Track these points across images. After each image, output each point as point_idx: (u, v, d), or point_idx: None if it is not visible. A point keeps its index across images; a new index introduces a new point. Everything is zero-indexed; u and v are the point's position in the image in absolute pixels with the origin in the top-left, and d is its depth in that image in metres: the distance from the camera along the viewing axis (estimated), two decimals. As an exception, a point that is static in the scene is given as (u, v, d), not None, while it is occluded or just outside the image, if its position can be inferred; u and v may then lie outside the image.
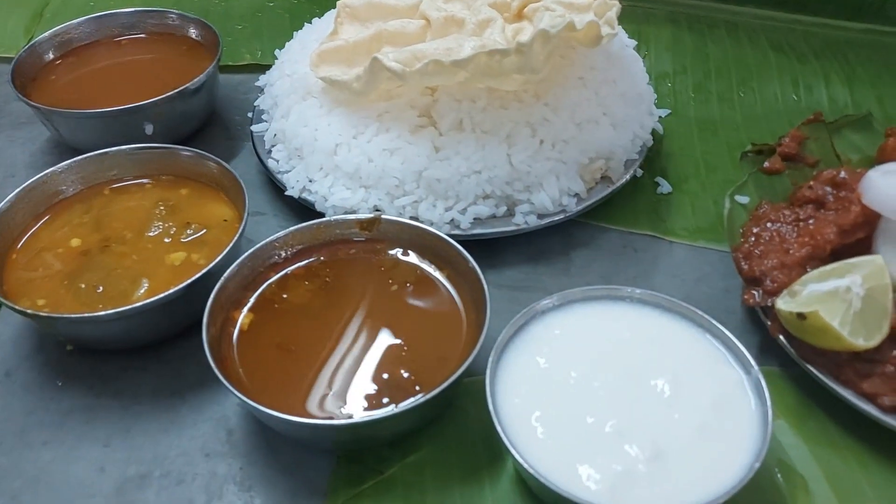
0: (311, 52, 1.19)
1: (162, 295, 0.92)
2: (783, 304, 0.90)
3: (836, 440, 0.90)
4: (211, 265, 0.95)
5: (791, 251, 0.96)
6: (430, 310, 0.96)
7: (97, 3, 1.63)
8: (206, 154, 1.10)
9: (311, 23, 1.38)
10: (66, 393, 0.98)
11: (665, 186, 1.22)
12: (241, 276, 0.96)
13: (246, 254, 0.97)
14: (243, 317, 0.94)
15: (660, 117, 1.30)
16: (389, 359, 0.90)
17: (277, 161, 1.20)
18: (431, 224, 1.07)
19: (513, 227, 1.10)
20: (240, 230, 1.00)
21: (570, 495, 0.73)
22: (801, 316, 0.87)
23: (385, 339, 0.92)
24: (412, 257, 1.01)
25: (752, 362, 0.83)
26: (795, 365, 0.92)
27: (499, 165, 1.09)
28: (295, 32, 1.37)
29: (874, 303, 0.88)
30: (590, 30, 1.07)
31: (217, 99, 1.38)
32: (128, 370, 0.99)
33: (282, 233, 1.00)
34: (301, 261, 1.01)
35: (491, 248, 1.11)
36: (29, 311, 0.93)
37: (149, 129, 1.22)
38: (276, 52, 1.37)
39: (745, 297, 0.96)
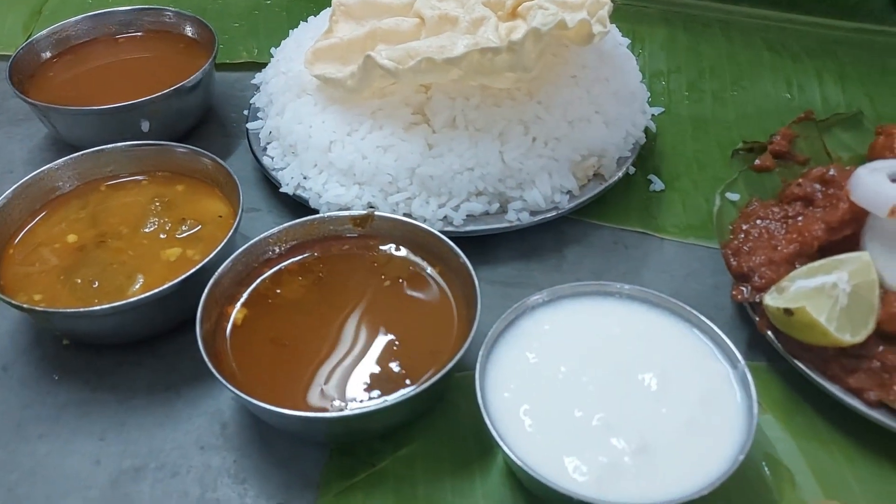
0: (306, 49, 1.19)
1: (156, 290, 0.93)
2: (771, 300, 0.91)
3: (823, 434, 0.91)
4: (205, 261, 0.96)
5: (779, 248, 0.97)
6: (422, 305, 0.97)
7: (94, 1, 1.63)
8: (201, 151, 1.11)
9: (307, 21, 1.39)
10: (63, 387, 0.99)
11: (657, 184, 1.23)
12: (235, 271, 0.97)
13: (240, 249, 0.98)
14: (237, 312, 0.95)
15: (653, 115, 1.31)
16: (381, 353, 0.91)
17: (272, 158, 1.21)
18: (425, 221, 1.08)
19: (505, 224, 1.11)
20: (234, 226, 1.01)
21: (558, 487, 0.74)
22: (788, 312, 0.88)
23: (377, 333, 0.93)
24: (405, 253, 1.02)
25: (739, 357, 0.84)
26: (783, 360, 0.93)
27: (491, 163, 1.10)
28: (291, 30, 1.38)
29: (860, 299, 0.89)
30: (581, 28, 1.08)
31: (214, 96, 1.40)
32: (123, 365, 1.01)
33: (276, 229, 1.01)
34: (295, 257, 1.02)
35: (484, 245, 1.12)
36: (25, 305, 0.94)
37: (145, 126, 1.23)
38: (272, 49, 1.38)
39: (734, 293, 0.97)
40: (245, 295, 0.97)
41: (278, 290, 0.98)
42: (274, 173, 1.20)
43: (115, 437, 0.94)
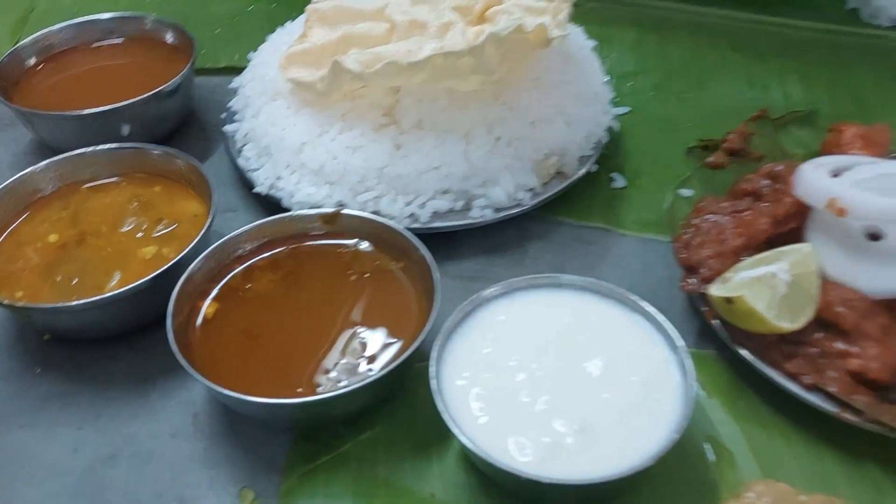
0: (281, 54, 1.24)
1: (130, 286, 0.98)
2: (715, 290, 0.96)
3: (764, 418, 0.95)
4: (177, 258, 1.00)
5: (727, 241, 1.02)
6: (386, 298, 1.01)
7: (80, 8, 1.67)
8: (175, 152, 1.16)
9: (284, 26, 1.43)
10: (44, 379, 1.04)
11: (619, 181, 1.27)
12: (208, 268, 1.02)
13: (212, 247, 1.02)
14: (208, 306, 1.00)
15: (619, 115, 1.35)
16: (346, 343, 0.96)
17: (248, 159, 1.26)
18: (392, 218, 1.12)
19: (469, 221, 1.15)
20: (206, 224, 1.05)
21: (503, 466, 0.79)
22: (728, 301, 0.93)
23: (343, 325, 0.98)
24: (370, 249, 1.06)
25: (679, 343, 0.88)
26: (729, 348, 0.97)
27: (456, 162, 1.15)
28: (268, 36, 1.43)
29: (800, 288, 0.93)
30: (539, 32, 1.13)
31: (194, 100, 1.44)
32: (101, 358, 1.05)
33: (247, 227, 1.06)
34: (265, 253, 1.06)
35: (449, 241, 1.16)
36: (6, 301, 0.99)
37: (125, 129, 1.28)
38: (250, 54, 1.42)
39: (682, 284, 1.01)
40: (216, 290, 1.02)
41: (249, 285, 1.03)
42: (249, 174, 1.24)
43: (92, 427, 0.98)
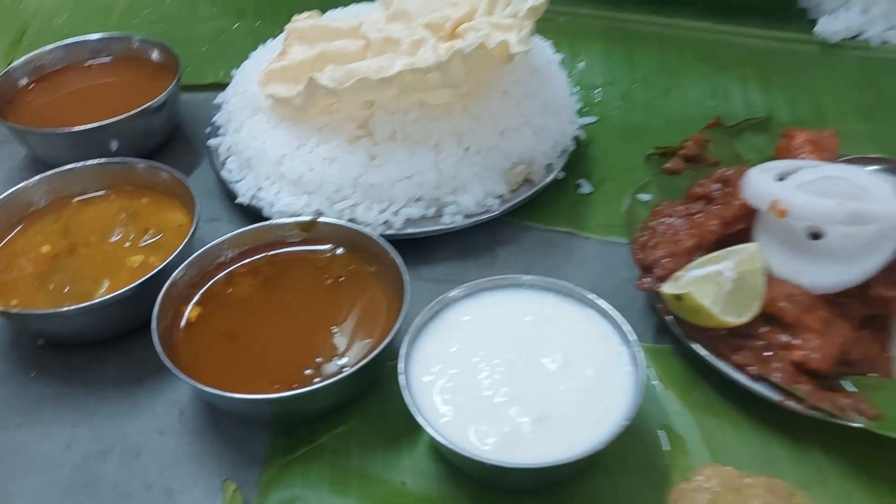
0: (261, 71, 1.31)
1: (117, 292, 1.04)
2: (667, 288, 1.02)
3: (716, 407, 1.01)
4: (162, 265, 1.06)
5: (680, 242, 1.08)
6: (360, 300, 1.07)
7: (71, 29, 1.74)
8: (160, 165, 1.22)
9: (265, 44, 1.50)
10: (38, 382, 1.10)
11: (586, 187, 1.34)
12: (191, 274, 1.08)
13: (195, 254, 1.08)
14: (191, 310, 1.06)
15: (587, 124, 1.42)
16: (322, 343, 1.02)
17: (231, 171, 1.32)
18: (368, 225, 1.19)
19: (441, 227, 1.22)
20: (189, 233, 1.11)
21: (466, 453, 0.85)
22: (678, 297, 0.99)
23: (319, 326, 1.04)
24: (345, 255, 1.12)
25: (632, 337, 0.95)
26: (684, 343, 1.04)
27: (427, 171, 1.21)
28: (250, 53, 1.49)
29: (746, 285, 0.99)
30: (501, 49, 1.19)
31: (180, 116, 1.50)
32: (93, 361, 1.11)
33: (228, 235, 1.12)
34: (246, 259, 1.12)
35: (423, 247, 1.22)
36: (1, 309, 1.05)
37: (114, 145, 1.34)
38: (233, 71, 1.49)
39: (638, 283, 1.07)
40: (199, 295, 1.08)
41: (230, 290, 1.09)
42: (232, 185, 1.30)
43: (85, 425, 1.04)
